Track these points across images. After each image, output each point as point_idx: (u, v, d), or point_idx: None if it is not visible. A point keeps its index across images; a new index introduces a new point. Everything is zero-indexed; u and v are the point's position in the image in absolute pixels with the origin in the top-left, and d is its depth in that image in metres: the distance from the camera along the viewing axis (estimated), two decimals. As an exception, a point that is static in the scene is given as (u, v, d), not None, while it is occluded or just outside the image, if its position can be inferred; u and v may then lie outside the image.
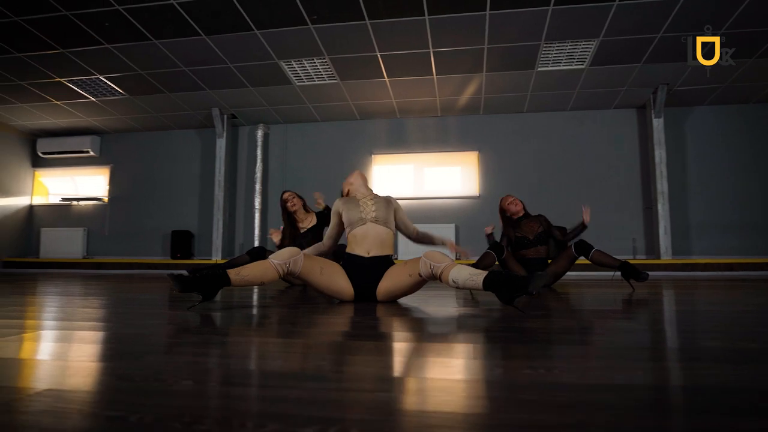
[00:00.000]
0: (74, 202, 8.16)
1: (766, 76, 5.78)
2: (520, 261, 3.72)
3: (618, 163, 6.87)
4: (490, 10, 4.47)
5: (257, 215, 7.30)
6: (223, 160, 7.37)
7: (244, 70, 5.83)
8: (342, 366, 1.02)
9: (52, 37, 5.03)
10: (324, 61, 5.54)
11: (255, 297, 2.77)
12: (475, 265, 3.49)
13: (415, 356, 1.14)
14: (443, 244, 2.65)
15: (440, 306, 2.30)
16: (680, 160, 6.70)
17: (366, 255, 2.37)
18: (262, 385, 0.80)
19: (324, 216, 4.08)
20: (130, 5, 4.44)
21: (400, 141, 7.43)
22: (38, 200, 8.34)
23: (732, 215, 6.50)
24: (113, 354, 1.13)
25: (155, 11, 4.53)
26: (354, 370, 0.97)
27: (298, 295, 2.87)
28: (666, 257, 6.26)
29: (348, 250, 2.43)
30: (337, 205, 2.55)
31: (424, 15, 4.58)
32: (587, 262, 3.55)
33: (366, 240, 2.39)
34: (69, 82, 6.14)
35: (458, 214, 7.12)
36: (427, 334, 1.50)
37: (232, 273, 2.09)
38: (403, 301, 2.47)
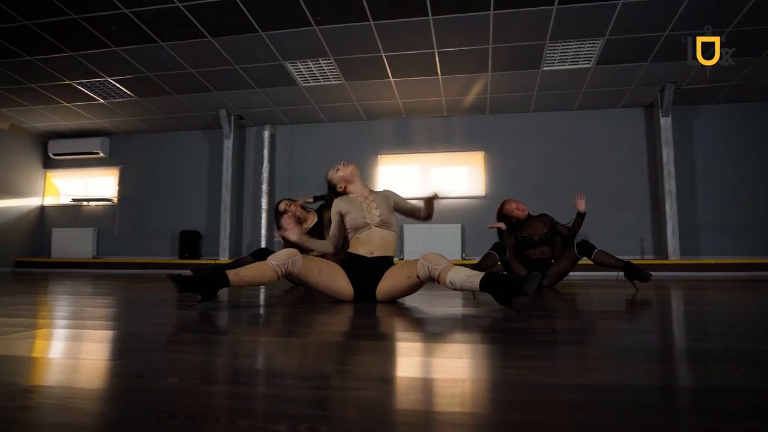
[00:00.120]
0: (84, 203, 8.27)
1: (775, 74, 5.71)
2: (524, 261, 3.72)
3: (625, 163, 6.82)
4: (494, 9, 4.47)
5: (264, 215, 7.34)
6: (230, 160, 7.43)
7: (250, 72, 5.88)
8: (328, 365, 1.04)
9: (61, 41, 5.11)
10: (329, 61, 5.57)
11: (260, 297, 2.80)
12: (477, 266, 3.49)
13: (405, 355, 1.15)
14: (435, 196, 2.59)
15: (440, 306, 2.31)
16: (688, 159, 6.64)
17: (369, 255, 2.39)
18: (245, 383, 0.82)
19: (321, 208, 4.10)
20: (137, 8, 4.49)
21: (406, 141, 7.43)
22: (49, 201, 8.47)
23: (741, 215, 6.43)
24: (106, 351, 1.15)
25: (161, 14, 4.59)
26: (341, 369, 0.98)
27: (302, 295, 2.89)
28: (674, 257, 6.20)
29: (350, 249, 2.44)
30: (339, 206, 2.52)
31: (428, 15, 4.58)
32: (590, 262, 3.53)
33: (370, 243, 2.40)
34: (78, 84, 6.23)
35: (464, 214, 7.11)
36: (425, 334, 1.51)
37: (231, 274, 2.11)
38: (404, 301, 2.48)
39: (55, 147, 8.16)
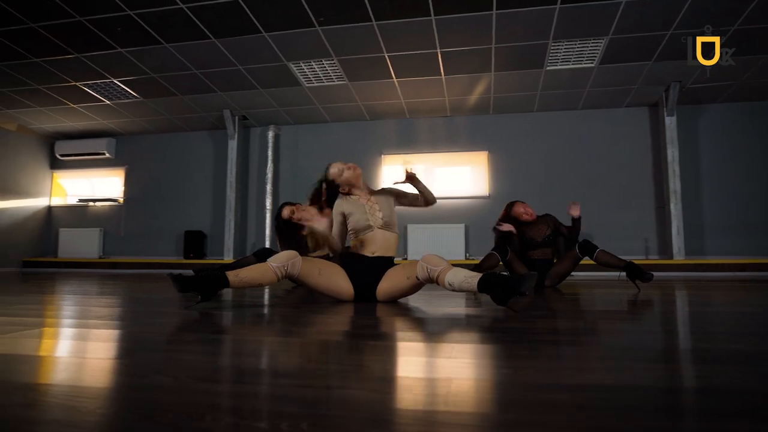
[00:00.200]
0: (91, 203, 8.34)
1: (782, 72, 5.67)
2: (525, 262, 3.71)
3: (630, 163, 6.79)
4: (496, 9, 4.46)
5: (268, 215, 7.37)
6: (234, 161, 7.46)
7: (254, 72, 5.90)
8: (322, 364, 1.05)
9: (67, 42, 5.16)
10: (332, 62, 5.58)
11: (261, 297, 2.81)
12: (478, 266, 3.50)
13: (404, 355, 1.16)
14: (409, 176, 2.60)
15: (440, 306, 2.32)
16: (693, 158, 6.59)
17: (370, 255, 2.40)
18: (233, 381, 0.83)
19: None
20: (141, 10, 4.53)
21: (409, 141, 7.44)
22: (56, 201, 8.55)
23: (747, 215, 6.38)
24: (105, 350, 1.17)
25: (165, 15, 4.62)
26: (331, 368, 0.99)
27: (303, 295, 2.90)
28: (679, 257, 6.17)
29: (352, 249, 2.46)
30: (342, 206, 2.51)
31: (430, 15, 4.58)
32: (592, 262, 3.52)
33: (373, 244, 2.42)
34: (84, 85, 6.28)
35: (468, 214, 7.11)
36: (424, 333, 1.52)
37: (231, 275, 2.13)
38: (406, 300, 2.49)
39: (61, 148, 8.24)
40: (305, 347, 1.26)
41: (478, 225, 6.98)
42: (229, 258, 7.16)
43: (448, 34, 4.91)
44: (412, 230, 7.09)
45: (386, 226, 2.44)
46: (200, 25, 4.78)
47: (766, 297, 2.84)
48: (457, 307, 2.24)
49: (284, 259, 2.23)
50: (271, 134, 7.58)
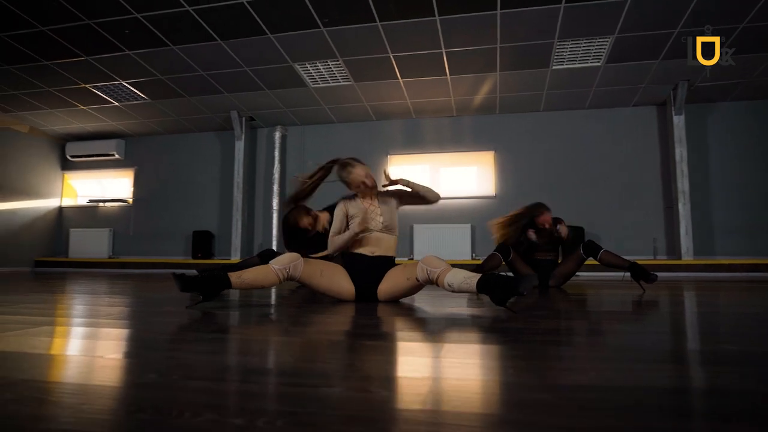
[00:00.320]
0: (101, 204, 8.45)
1: (792, 70, 5.59)
2: (529, 263, 3.70)
3: (637, 162, 6.73)
4: (500, 9, 4.45)
5: (275, 216, 7.41)
6: (241, 161, 7.52)
7: (260, 74, 5.94)
8: (310, 363, 1.06)
9: (76, 45, 5.23)
10: (337, 63, 5.60)
11: (263, 296, 2.84)
12: (480, 267, 3.50)
13: (403, 354, 1.17)
14: (390, 182, 2.51)
15: (441, 306, 2.32)
16: (702, 158, 6.52)
17: (370, 255, 2.41)
18: (220, 379, 0.85)
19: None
20: (149, 12, 4.58)
21: (415, 141, 7.44)
22: (67, 202, 8.67)
23: (756, 215, 6.29)
24: (102, 349, 1.20)
25: (172, 18, 4.67)
26: (322, 367, 1.00)
27: (306, 295, 2.92)
28: (687, 258, 6.10)
29: (352, 249, 2.47)
30: (347, 207, 2.52)
31: (434, 16, 4.59)
32: (596, 262, 3.51)
33: (372, 244, 2.43)
34: (94, 87, 6.36)
35: (474, 214, 7.09)
36: (424, 333, 1.52)
37: (233, 276, 2.15)
38: (411, 300, 2.50)
39: (72, 149, 8.35)
40: (300, 346, 1.28)
41: (485, 225, 6.94)
42: (236, 258, 7.21)
43: (453, 34, 4.91)
44: (418, 230, 7.09)
45: (386, 229, 2.45)
46: (206, 27, 4.82)
47: (773, 298, 2.81)
48: (458, 307, 2.25)
49: (286, 262, 2.25)
50: (277, 135, 7.62)
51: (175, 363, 1.01)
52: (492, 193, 7.11)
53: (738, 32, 4.71)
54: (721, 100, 6.52)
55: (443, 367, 0.99)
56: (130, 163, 8.37)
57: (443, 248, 6.87)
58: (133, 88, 6.39)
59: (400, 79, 6.03)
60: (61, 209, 8.62)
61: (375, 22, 4.70)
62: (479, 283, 1.97)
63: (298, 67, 5.72)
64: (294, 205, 2.64)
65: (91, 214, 8.48)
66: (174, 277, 2.05)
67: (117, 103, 6.91)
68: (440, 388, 0.81)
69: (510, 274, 3.62)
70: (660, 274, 5.53)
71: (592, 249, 3.48)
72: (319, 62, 5.61)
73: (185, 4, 4.43)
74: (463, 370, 0.98)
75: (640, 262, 3.41)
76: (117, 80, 6.14)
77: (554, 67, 5.65)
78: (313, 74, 5.93)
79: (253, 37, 5.04)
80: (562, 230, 3.62)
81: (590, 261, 3.58)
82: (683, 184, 6.23)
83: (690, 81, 5.95)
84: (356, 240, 2.46)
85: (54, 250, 8.48)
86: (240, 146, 7.53)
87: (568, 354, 1.16)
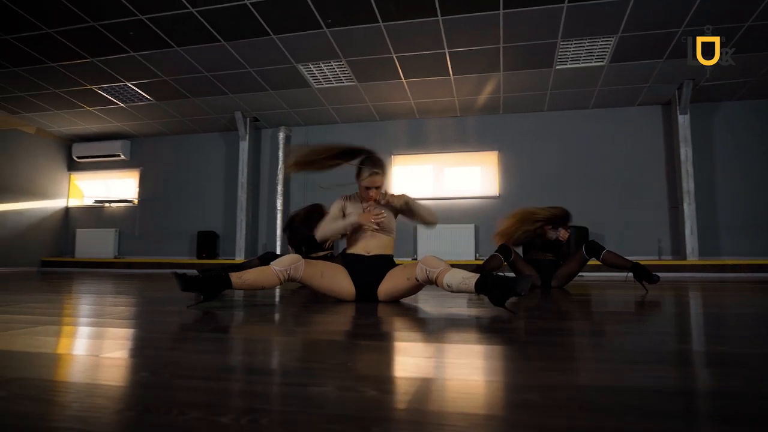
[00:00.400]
0: (107, 204, 8.51)
1: (799, 69, 5.54)
2: (530, 262, 3.70)
3: (642, 162, 6.70)
4: (503, 9, 4.45)
5: (279, 216, 7.43)
6: (246, 162, 7.55)
7: (264, 74, 5.97)
8: (303, 362, 1.07)
9: (81, 47, 5.28)
10: (341, 63, 5.61)
11: (264, 296, 2.85)
12: (482, 267, 3.49)
13: (401, 355, 1.18)
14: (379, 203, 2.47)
15: (440, 306, 2.33)
16: (707, 157, 6.48)
17: (366, 254, 2.42)
18: (211, 378, 0.86)
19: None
20: (153, 14, 4.61)
21: (419, 141, 7.44)
22: (74, 202, 8.74)
23: (762, 215, 6.24)
24: (99, 348, 1.21)
25: (176, 19, 4.70)
26: (314, 366, 1.01)
27: (309, 295, 2.92)
28: (692, 258, 6.06)
29: (348, 250, 2.48)
30: (343, 203, 2.53)
31: (437, 16, 4.59)
32: (599, 263, 3.50)
33: (366, 242, 2.44)
34: (99, 89, 6.41)
35: (478, 214, 7.09)
36: (422, 334, 1.52)
37: (234, 276, 2.17)
38: (407, 300, 2.51)
39: (78, 150, 8.42)
40: (296, 346, 1.28)
41: (488, 225, 6.94)
42: (240, 258, 7.24)
43: (456, 34, 4.91)
44: (422, 230, 7.09)
45: (381, 230, 2.45)
46: (210, 28, 4.85)
47: (776, 298, 2.79)
48: (458, 307, 2.25)
49: (287, 263, 2.26)
50: (281, 135, 7.64)
51: (168, 362, 1.02)
52: (496, 193, 7.10)
53: (743, 30, 4.68)
54: (727, 99, 6.47)
55: (435, 367, 1.00)
56: (136, 164, 8.43)
57: (447, 248, 6.87)
58: (138, 90, 6.44)
59: (404, 80, 6.03)
60: (67, 210, 8.69)
61: (378, 22, 4.71)
62: (478, 283, 1.98)
63: (302, 67, 5.74)
64: (297, 170, 2.49)
65: (97, 215, 8.55)
66: (175, 276, 2.07)
67: (122, 105, 6.96)
68: (429, 388, 0.81)
69: (512, 274, 3.61)
70: (665, 275, 5.53)
71: (595, 249, 3.46)
72: (323, 63, 5.62)
73: (188, 6, 4.46)
74: (454, 370, 0.98)
75: (644, 263, 3.39)
76: (122, 82, 6.19)
77: (558, 67, 5.63)
78: (317, 75, 5.95)
79: (256, 38, 5.06)
80: (562, 234, 3.61)
81: (593, 261, 3.57)
82: (688, 183, 6.20)
83: (695, 80, 5.91)
84: (351, 239, 2.46)
85: (60, 250, 8.55)
86: (244, 147, 7.56)
87: (567, 355, 1.16)
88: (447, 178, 7.40)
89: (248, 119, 7.47)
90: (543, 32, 4.86)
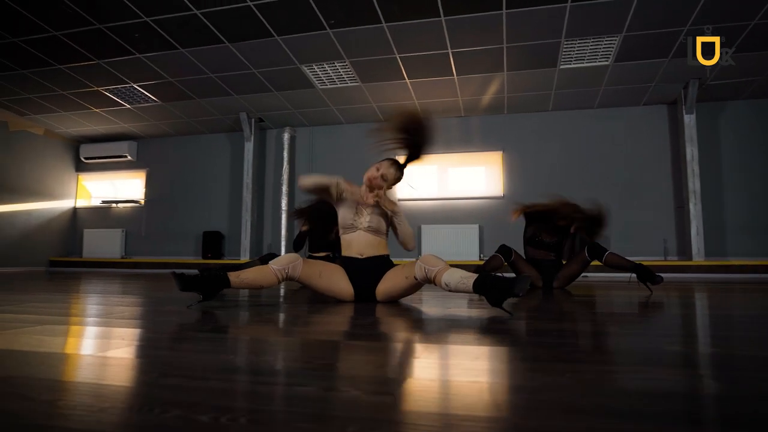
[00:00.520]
0: (113, 205, 8.59)
1: (807, 67, 5.48)
2: (531, 262, 3.69)
3: (648, 162, 6.65)
4: (506, 9, 4.44)
5: (284, 216, 7.46)
6: (250, 162, 7.58)
7: (268, 75, 5.99)
8: (291, 362, 1.08)
9: (88, 49, 5.33)
10: (344, 64, 5.63)
11: (264, 296, 2.87)
12: (482, 267, 3.49)
13: (374, 354, 1.18)
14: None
15: (440, 307, 2.33)
16: (714, 157, 6.42)
17: (360, 257, 2.43)
18: (197, 377, 0.87)
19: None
20: (157, 16, 4.65)
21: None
22: (81, 203, 8.83)
23: (769, 215, 6.19)
24: (95, 347, 1.23)
25: (180, 21, 4.73)
26: (301, 366, 1.02)
27: (310, 295, 2.94)
28: (698, 259, 6.02)
29: (343, 253, 2.49)
30: (344, 185, 2.50)
31: (440, 16, 4.59)
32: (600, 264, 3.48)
33: (358, 245, 2.44)
34: (106, 90, 6.48)
35: (482, 214, 7.07)
36: (420, 334, 1.53)
37: (233, 275, 2.18)
38: (406, 301, 2.51)
39: (86, 151, 8.51)
40: (287, 346, 1.29)
41: (493, 225, 6.94)
42: (245, 258, 7.28)
43: (459, 34, 4.90)
44: (427, 231, 7.09)
45: (371, 230, 2.44)
46: (214, 29, 4.88)
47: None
48: (457, 308, 2.25)
49: (285, 262, 2.28)
50: (286, 136, 7.67)
51: (160, 361, 1.03)
52: (500, 193, 7.08)
53: (749, 29, 4.64)
54: (733, 98, 6.41)
55: (422, 368, 1.00)
56: (142, 165, 8.50)
57: (451, 248, 6.87)
58: (144, 91, 6.49)
59: (407, 80, 6.03)
60: (75, 210, 8.78)
61: (381, 23, 4.72)
62: (475, 283, 1.98)
63: (306, 68, 5.76)
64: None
65: (104, 215, 8.63)
66: (174, 276, 2.09)
67: (129, 106, 7.03)
68: (412, 389, 0.82)
69: (513, 275, 3.61)
70: (670, 275, 5.50)
71: (597, 251, 3.45)
72: (326, 63, 5.64)
73: (192, 8, 4.49)
74: (441, 370, 0.99)
75: (650, 263, 3.38)
76: (128, 83, 6.24)
77: (562, 67, 5.61)
78: (321, 75, 5.97)
79: (260, 40, 5.09)
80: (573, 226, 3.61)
81: (596, 262, 3.56)
82: (694, 183, 6.15)
83: (701, 79, 5.87)
84: (343, 239, 2.47)
85: (68, 250, 8.64)
86: (249, 147, 7.60)
87: (566, 356, 1.14)
88: (451, 179, 7.40)
89: (253, 120, 7.51)
90: (546, 32, 4.85)
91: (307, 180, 2.52)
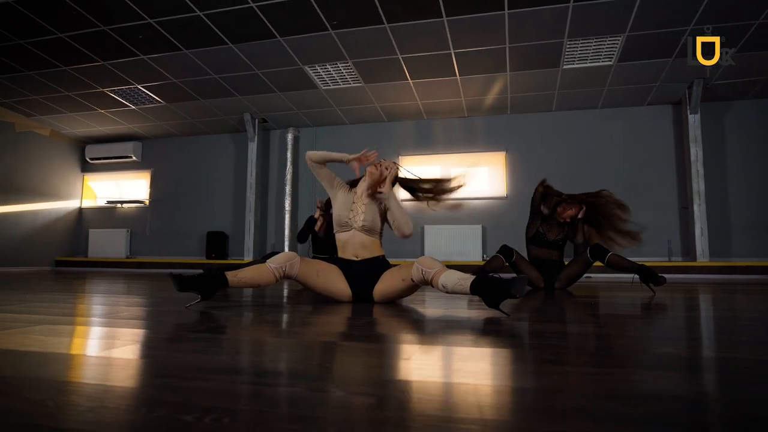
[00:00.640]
0: (119, 205, 8.65)
1: (813, 67, 5.44)
2: (533, 262, 3.68)
3: (652, 162, 6.62)
4: (508, 9, 4.43)
5: (287, 216, 7.49)
6: (254, 163, 7.61)
7: (271, 76, 6.02)
8: (281, 363, 1.09)
9: (93, 51, 5.38)
10: (347, 65, 5.64)
11: (264, 296, 2.88)
12: (483, 268, 3.49)
13: (366, 356, 1.19)
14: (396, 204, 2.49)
15: (439, 307, 2.33)
16: (718, 157, 6.38)
17: (356, 259, 2.44)
18: (185, 378, 0.88)
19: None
20: (161, 18, 4.68)
21: (427, 142, 7.44)
22: (87, 203, 8.90)
23: (776, 215, 6.14)
24: (92, 347, 1.24)
25: (184, 23, 4.76)
26: (289, 367, 1.03)
27: (314, 296, 2.94)
28: (703, 259, 5.98)
29: (339, 254, 2.50)
30: (339, 182, 2.63)
31: (442, 17, 4.59)
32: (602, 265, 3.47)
33: (352, 246, 2.45)
34: (111, 92, 6.52)
35: (485, 215, 7.07)
36: (418, 335, 1.53)
37: (230, 275, 2.19)
38: (405, 301, 2.52)
39: (91, 151, 8.57)
40: (279, 347, 1.30)
41: (496, 226, 6.93)
42: (249, 258, 7.31)
43: (461, 34, 4.90)
44: (429, 231, 7.09)
45: (365, 230, 2.45)
46: (217, 31, 4.91)
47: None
48: (455, 309, 2.25)
49: (282, 260, 2.29)
50: (290, 136, 7.70)
51: (150, 361, 1.04)
52: (503, 193, 7.07)
53: (754, 29, 4.61)
54: (738, 98, 6.37)
55: (411, 369, 1.01)
56: (147, 165, 8.56)
57: (454, 249, 6.87)
58: (148, 92, 6.53)
59: (410, 81, 6.04)
60: (81, 210, 8.85)
61: (383, 24, 4.73)
62: (473, 284, 1.98)
63: (309, 69, 5.78)
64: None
65: (109, 215, 8.69)
66: (171, 277, 2.10)
67: (134, 107, 7.07)
68: (398, 389, 0.83)
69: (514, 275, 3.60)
70: (675, 276, 5.47)
71: (599, 252, 3.44)
72: (329, 64, 5.65)
73: (196, 9, 4.52)
74: (431, 371, 0.99)
75: (654, 264, 3.36)
76: (133, 84, 6.29)
77: (565, 67, 5.60)
78: (324, 76, 5.98)
79: (263, 41, 5.11)
80: (567, 213, 3.61)
81: (598, 263, 3.54)
82: (698, 184, 6.11)
83: (705, 79, 5.83)
84: (337, 239, 2.50)
85: (74, 249, 8.71)
86: (253, 148, 7.63)
87: (559, 358, 1.14)
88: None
89: (257, 121, 7.54)
90: (549, 32, 4.84)
91: (315, 154, 2.58)
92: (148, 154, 8.55)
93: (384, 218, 2.53)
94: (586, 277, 5.28)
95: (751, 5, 4.31)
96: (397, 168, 2.61)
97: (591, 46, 5.09)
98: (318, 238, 4.56)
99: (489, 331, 1.53)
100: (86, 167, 8.87)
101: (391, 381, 0.89)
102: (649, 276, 3.26)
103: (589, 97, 6.50)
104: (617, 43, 5.02)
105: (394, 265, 2.42)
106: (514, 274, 3.56)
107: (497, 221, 6.94)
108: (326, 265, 2.43)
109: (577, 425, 0.64)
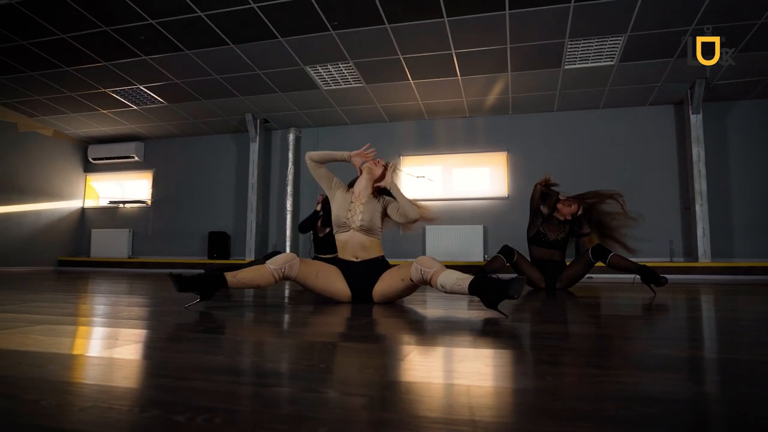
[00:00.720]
0: (121, 205, 8.67)
1: (816, 67, 5.41)
2: (534, 262, 3.68)
3: (654, 162, 6.60)
4: (509, 9, 4.43)
5: (289, 217, 7.50)
6: (256, 163, 7.62)
7: (273, 77, 6.03)
8: (276, 363, 1.09)
9: (95, 51, 5.40)
10: (348, 65, 5.64)
11: (268, 297, 2.89)
12: (483, 268, 3.48)
13: (362, 357, 1.19)
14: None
15: (438, 308, 2.33)
16: (720, 158, 6.36)
17: (355, 260, 2.44)
18: (180, 378, 0.88)
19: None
20: (162, 18, 4.70)
21: (428, 142, 7.44)
22: (89, 203, 8.92)
23: (778, 216, 6.11)
24: (89, 347, 1.25)
25: (185, 24, 4.77)
26: (284, 367, 1.03)
27: (315, 296, 2.94)
28: (704, 260, 5.96)
29: (339, 255, 2.51)
30: (337, 182, 2.64)
31: (443, 17, 4.59)
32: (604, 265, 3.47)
33: (351, 247, 2.45)
34: (113, 92, 6.54)
35: (486, 215, 7.06)
36: (416, 336, 1.54)
37: (230, 275, 2.20)
38: (405, 302, 2.52)
39: (94, 152, 8.60)
40: (276, 347, 1.31)
41: (497, 226, 6.92)
42: (250, 258, 7.32)
43: (462, 35, 4.90)
44: (431, 231, 7.09)
45: (363, 230, 2.44)
46: (218, 31, 4.92)
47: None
48: (454, 309, 2.25)
49: (281, 261, 2.29)
50: (291, 137, 7.70)
51: (146, 362, 1.05)
52: (505, 194, 7.06)
53: (756, 28, 4.60)
54: (741, 98, 6.35)
55: (406, 369, 1.01)
56: (149, 165, 8.58)
57: (455, 249, 6.87)
58: (150, 92, 6.55)
59: (411, 81, 6.04)
60: (83, 210, 8.88)
61: (384, 24, 4.73)
62: (471, 285, 1.98)
63: (310, 69, 5.78)
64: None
65: (111, 215, 8.72)
66: (171, 277, 2.10)
67: (136, 107, 7.09)
68: (390, 390, 0.83)
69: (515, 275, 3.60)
70: (677, 277, 5.46)
71: (601, 253, 3.44)
72: (330, 65, 5.66)
73: (197, 10, 4.53)
74: (425, 372, 0.99)
75: (656, 265, 3.36)
76: (135, 85, 6.30)
77: (566, 67, 5.59)
78: (325, 77, 5.99)
79: (264, 41, 5.12)
80: (566, 210, 3.61)
81: (599, 263, 3.54)
82: (701, 184, 6.09)
83: (708, 79, 5.81)
84: (337, 240, 2.50)
85: (77, 249, 8.73)
86: (255, 148, 7.64)
87: (563, 359, 1.13)
88: (456, 179, 7.39)
89: (258, 121, 7.55)
90: (550, 32, 4.83)
91: (316, 154, 2.61)
92: (150, 154, 8.57)
93: (383, 217, 2.53)
94: (588, 277, 5.27)
95: (752, 5, 4.30)
96: (395, 166, 2.62)
97: (592, 46, 5.08)
98: (320, 238, 4.57)
99: (488, 332, 1.53)
100: (89, 167, 8.89)
101: (389, 382, 0.89)
102: (651, 277, 3.25)
103: (590, 98, 6.49)
104: (619, 43, 5.01)
105: (394, 266, 2.42)
106: (515, 275, 3.57)
107: (498, 221, 6.93)
108: (325, 266, 2.43)
109: (576, 427, 0.64)
